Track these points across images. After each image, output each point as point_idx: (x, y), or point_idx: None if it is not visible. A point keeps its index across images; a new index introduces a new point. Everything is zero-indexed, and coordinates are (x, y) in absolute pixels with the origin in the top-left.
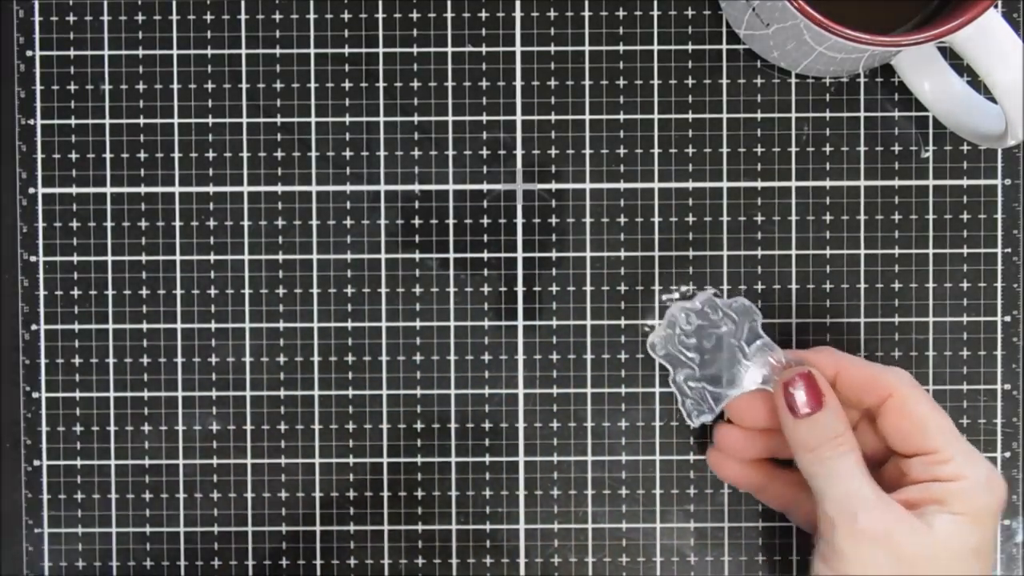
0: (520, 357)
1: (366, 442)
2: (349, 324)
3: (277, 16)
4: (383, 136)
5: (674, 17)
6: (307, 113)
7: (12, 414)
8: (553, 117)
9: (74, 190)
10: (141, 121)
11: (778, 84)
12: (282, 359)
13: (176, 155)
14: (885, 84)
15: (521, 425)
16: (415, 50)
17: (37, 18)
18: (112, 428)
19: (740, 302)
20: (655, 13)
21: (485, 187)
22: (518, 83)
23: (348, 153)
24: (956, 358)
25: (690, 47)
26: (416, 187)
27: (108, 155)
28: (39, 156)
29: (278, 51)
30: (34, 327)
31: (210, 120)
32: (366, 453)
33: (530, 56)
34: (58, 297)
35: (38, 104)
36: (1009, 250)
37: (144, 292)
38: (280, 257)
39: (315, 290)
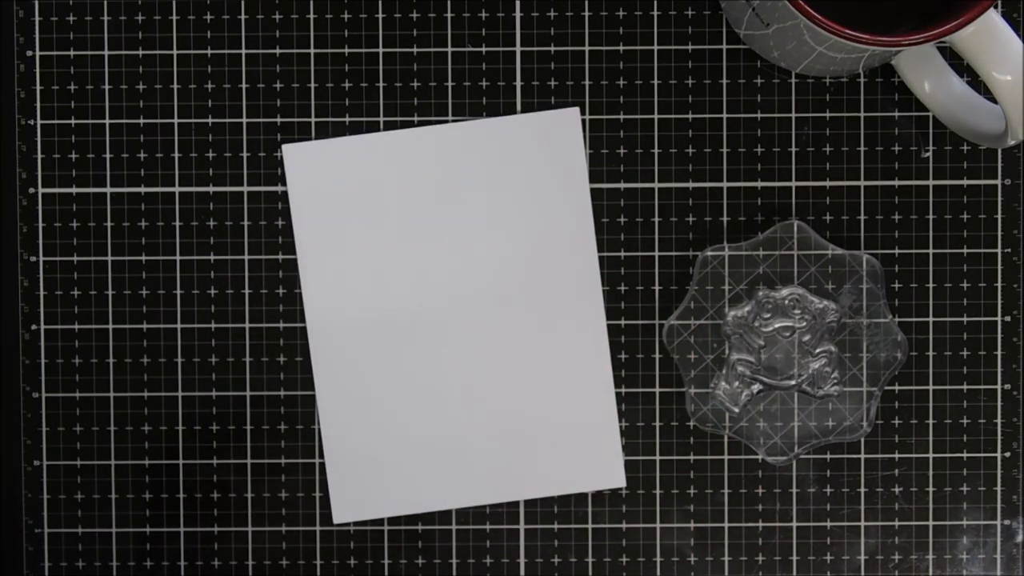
0: None
1: None
2: None
3: (277, 16)
4: None
5: (674, 17)
6: (307, 113)
7: (12, 414)
8: None
9: (74, 190)
10: (141, 121)
11: (778, 84)
12: (282, 359)
13: (176, 155)
14: (885, 84)
15: None
16: (415, 50)
17: (37, 18)
18: (112, 428)
19: (826, 305)
20: (655, 13)
21: None
22: (518, 83)
23: None
24: (956, 358)
25: (690, 47)
26: None
27: (108, 155)
28: (39, 156)
29: (278, 51)
30: (34, 327)
31: (210, 120)
32: None
33: (530, 56)
34: (58, 297)
35: (38, 104)
36: (1009, 250)
37: (144, 292)
38: (280, 257)
39: None
